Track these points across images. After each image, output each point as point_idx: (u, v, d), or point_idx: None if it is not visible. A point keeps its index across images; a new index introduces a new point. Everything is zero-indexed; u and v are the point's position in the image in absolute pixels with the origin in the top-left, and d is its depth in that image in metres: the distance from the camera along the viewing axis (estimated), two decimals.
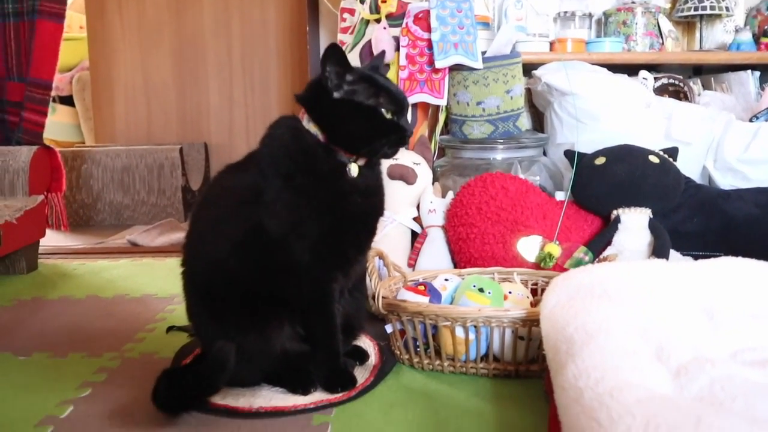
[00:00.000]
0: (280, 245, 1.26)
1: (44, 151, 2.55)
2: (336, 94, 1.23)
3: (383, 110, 1.23)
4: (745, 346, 1.07)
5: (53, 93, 4.59)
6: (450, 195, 1.86)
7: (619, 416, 0.82)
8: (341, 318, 1.35)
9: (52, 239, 2.91)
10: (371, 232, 1.36)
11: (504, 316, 1.35)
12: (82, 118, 4.56)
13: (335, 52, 1.20)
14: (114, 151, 3.64)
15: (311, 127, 1.26)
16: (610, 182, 1.73)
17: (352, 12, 2.00)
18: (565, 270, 1.61)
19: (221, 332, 1.28)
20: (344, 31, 2.02)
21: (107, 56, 4.04)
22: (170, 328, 1.71)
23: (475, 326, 1.37)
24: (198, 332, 1.38)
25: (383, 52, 1.40)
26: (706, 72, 2.43)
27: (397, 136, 1.25)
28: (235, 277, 1.28)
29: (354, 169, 1.26)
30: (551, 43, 2.25)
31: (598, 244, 1.70)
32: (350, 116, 1.24)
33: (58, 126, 4.65)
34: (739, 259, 1.27)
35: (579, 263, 1.64)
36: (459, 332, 1.39)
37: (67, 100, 4.62)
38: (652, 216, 1.73)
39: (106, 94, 4.08)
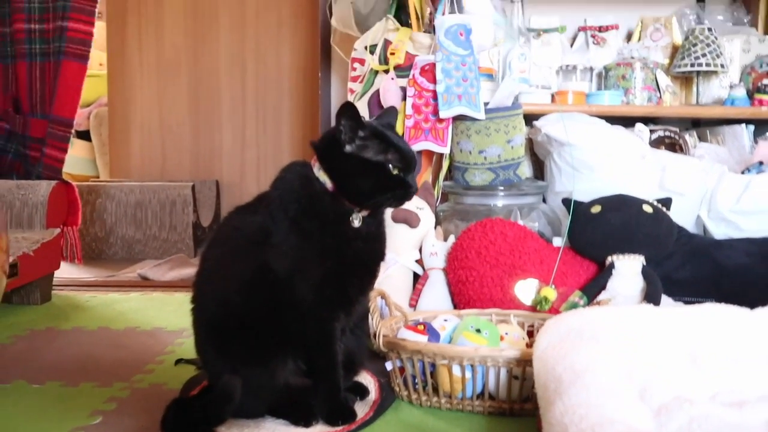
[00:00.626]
0: (286, 285, 1.32)
1: (62, 186, 2.64)
2: (348, 148, 1.29)
3: (390, 166, 1.30)
4: (724, 388, 1.14)
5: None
6: (451, 239, 1.94)
7: None
8: (343, 355, 1.40)
9: (65, 271, 2.98)
10: (372, 274, 1.43)
11: (499, 356, 1.41)
12: (98, 153, 4.67)
13: (350, 109, 1.28)
14: (128, 187, 3.74)
15: (321, 175, 1.32)
16: (606, 230, 1.80)
17: (362, 62, 2.11)
18: (560, 313, 1.67)
19: (228, 366, 1.34)
20: (354, 79, 2.13)
21: (125, 94, 4.16)
22: (179, 361, 1.77)
23: (471, 365, 1.42)
24: (206, 366, 1.44)
25: (395, 109, 1.47)
26: (704, 125, 2.51)
27: (402, 192, 1.32)
28: (242, 314, 1.34)
29: (357, 220, 1.33)
30: (553, 95, 2.34)
31: (593, 288, 1.77)
32: (358, 171, 1.30)
33: (73, 160, 4.75)
34: (724, 305, 1.34)
35: (574, 307, 1.70)
36: (456, 371, 1.44)
37: (84, 135, 4.73)
38: (645, 263, 1.79)
39: (122, 131, 4.19)
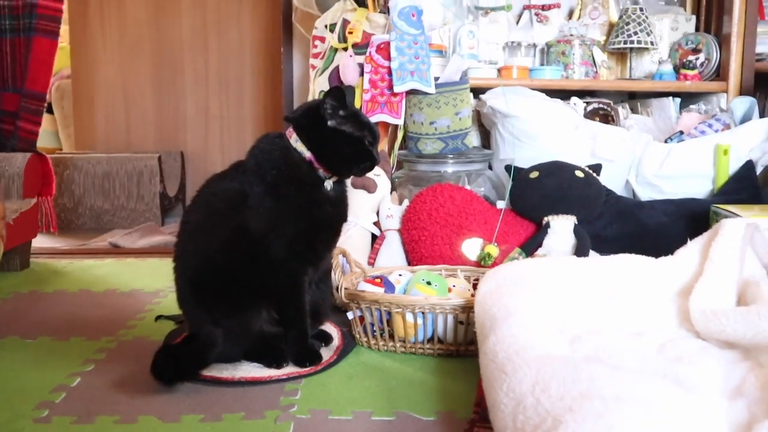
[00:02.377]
0: (262, 243, 1.49)
1: (37, 158, 2.76)
2: (330, 123, 1.49)
3: (366, 141, 1.51)
4: (628, 322, 1.36)
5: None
6: (405, 203, 2.14)
7: (520, 367, 1.08)
8: (310, 305, 1.59)
9: (39, 240, 3.10)
10: (337, 234, 1.62)
11: (447, 303, 1.61)
12: (60, 126, 4.69)
13: (338, 92, 1.48)
14: (95, 158, 3.83)
15: (299, 146, 1.51)
16: (542, 193, 2.01)
17: (323, 40, 2.27)
18: None
19: (209, 317, 1.51)
20: (315, 56, 2.29)
21: (88, 66, 4.19)
22: (159, 317, 1.92)
23: (422, 312, 1.61)
24: (188, 317, 1.59)
25: (352, 88, 1.69)
26: (639, 98, 2.74)
27: (371, 163, 1.54)
28: (221, 270, 1.51)
29: (329, 185, 1.53)
30: (499, 70, 2.53)
31: (531, 246, 1.99)
32: (340, 143, 1.50)
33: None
34: (635, 256, 1.56)
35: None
36: (409, 318, 1.63)
37: (48, 109, 4.78)
38: (577, 222, 2.02)
39: (86, 103, 4.23)
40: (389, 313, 1.66)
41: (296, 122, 1.53)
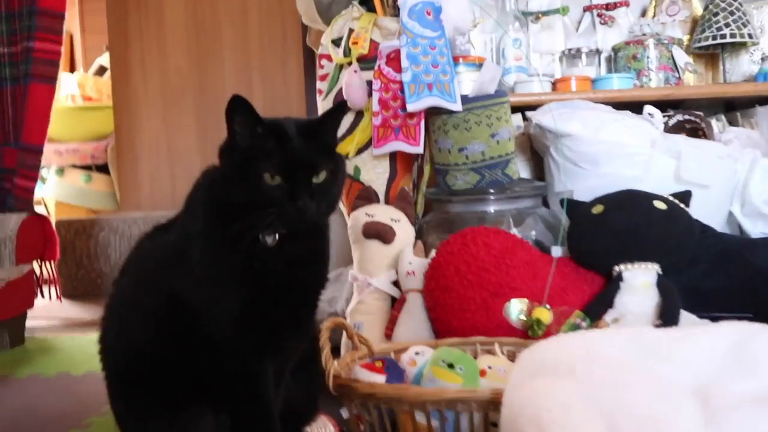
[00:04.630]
0: (199, 317, 1.09)
1: (35, 218, 2.47)
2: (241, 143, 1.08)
3: (265, 175, 1.05)
4: None
5: (90, 161, 4.69)
6: (432, 255, 1.66)
7: None
8: (282, 404, 1.16)
9: (65, 309, 2.83)
10: (308, 305, 1.17)
11: (471, 398, 1.13)
12: (117, 186, 4.58)
13: (240, 101, 1.07)
14: (131, 219, 3.60)
15: None
16: (609, 233, 1.49)
17: (329, 58, 1.85)
18: None
19: (135, 420, 1.14)
20: (322, 78, 1.87)
21: (131, 122, 4.07)
22: None
23: (438, 411, 1.15)
24: (117, 421, 1.21)
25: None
26: (739, 107, 2.17)
27: (277, 218, 1.06)
28: (148, 355, 1.12)
29: (269, 237, 1.08)
30: (554, 84, 2.05)
31: (597, 306, 1.47)
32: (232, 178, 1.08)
33: (94, 194, 4.68)
34: (759, 326, 1.02)
35: (575, 330, 1.41)
36: (420, 418, 1.17)
37: (103, 169, 4.66)
38: (660, 272, 1.48)
39: (130, 160, 4.10)
40: (393, 412, 1.18)
41: (220, 149, 1.11)
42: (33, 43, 2.48)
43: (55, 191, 4.64)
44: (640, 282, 1.47)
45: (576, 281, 1.55)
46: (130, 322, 1.15)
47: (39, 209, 3.04)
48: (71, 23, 5.13)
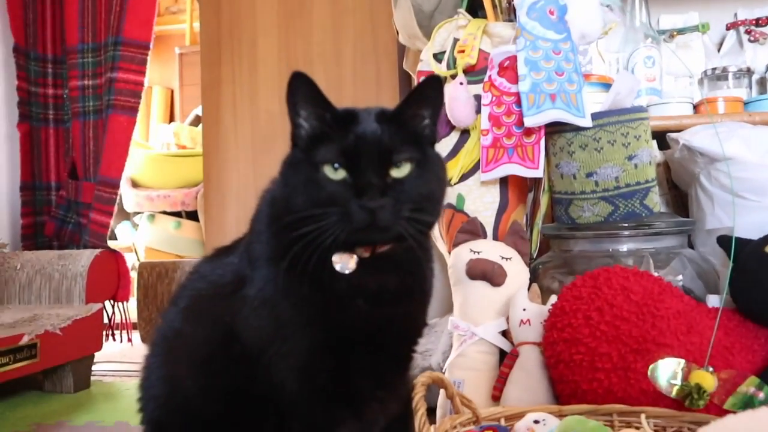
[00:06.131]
0: (259, 363, 0.83)
1: (108, 255, 2.32)
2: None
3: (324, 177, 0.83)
4: None
5: (180, 208, 4.65)
6: (553, 300, 1.34)
7: None
8: None
9: (140, 355, 2.65)
10: (398, 354, 0.90)
11: None
12: (204, 231, 4.50)
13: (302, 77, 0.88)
14: None
15: None
16: None
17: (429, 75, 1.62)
18: (726, 412, 1.04)
19: None
20: None
21: (219, 167, 3.95)
22: None
23: None
24: None
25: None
26: None
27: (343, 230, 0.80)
28: (193, 411, 0.88)
29: (343, 262, 0.81)
30: (695, 106, 1.73)
31: None
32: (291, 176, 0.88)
33: (183, 241, 4.61)
34: None
35: (746, 402, 1.07)
36: None
37: (193, 216, 4.60)
38: None
39: (217, 206, 3.97)
40: None
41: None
42: (116, 74, 2.39)
43: (146, 237, 4.60)
44: None
45: (744, 338, 1.19)
46: (175, 365, 0.92)
47: (130, 256, 2.92)
48: (171, 78, 5.20)
